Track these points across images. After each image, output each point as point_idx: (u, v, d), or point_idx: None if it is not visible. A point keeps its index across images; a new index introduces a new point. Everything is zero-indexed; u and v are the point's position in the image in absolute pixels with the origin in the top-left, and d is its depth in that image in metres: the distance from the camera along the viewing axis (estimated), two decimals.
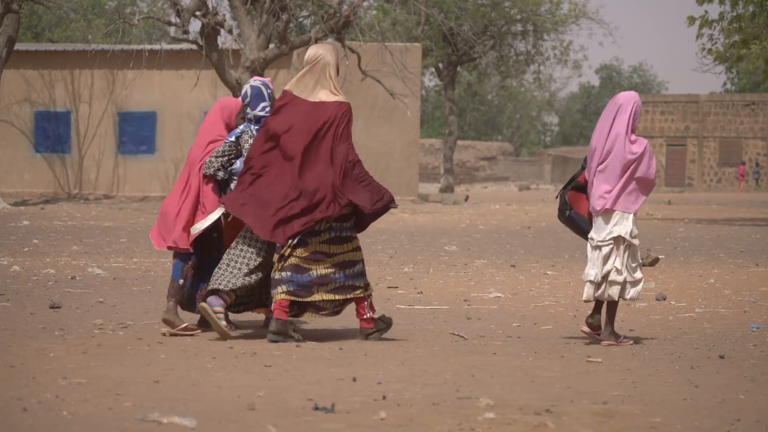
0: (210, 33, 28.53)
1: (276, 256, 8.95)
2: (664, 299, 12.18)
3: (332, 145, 8.85)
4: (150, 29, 51.77)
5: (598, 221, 9.17)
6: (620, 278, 9.17)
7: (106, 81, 36.26)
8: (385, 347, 8.88)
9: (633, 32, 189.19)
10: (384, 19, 47.62)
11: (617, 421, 6.39)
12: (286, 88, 9.02)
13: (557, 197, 9.40)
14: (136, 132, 36.01)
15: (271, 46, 29.62)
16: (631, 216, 9.13)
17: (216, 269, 9.11)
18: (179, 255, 9.45)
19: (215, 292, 8.98)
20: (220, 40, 29.52)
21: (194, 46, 30.49)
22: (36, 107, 36.82)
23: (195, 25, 58.55)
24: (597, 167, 9.10)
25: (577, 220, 9.29)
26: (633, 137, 9.10)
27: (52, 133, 36.73)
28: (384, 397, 6.87)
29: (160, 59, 33.68)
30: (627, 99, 9.13)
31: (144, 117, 35.92)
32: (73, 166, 36.58)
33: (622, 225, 9.11)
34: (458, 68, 54.15)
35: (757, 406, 6.87)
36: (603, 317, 9.32)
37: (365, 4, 32.47)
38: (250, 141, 9.21)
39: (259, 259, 9.07)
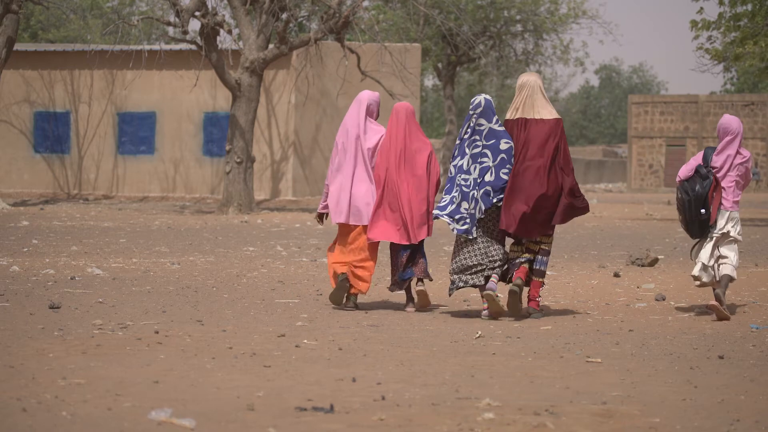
0: (209, 33, 28.53)
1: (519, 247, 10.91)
2: (664, 299, 12.19)
3: (555, 154, 10.75)
4: (149, 29, 51.76)
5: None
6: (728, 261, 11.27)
7: (105, 81, 36.25)
8: (384, 348, 8.89)
9: (633, 32, 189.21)
10: (381, 20, 47.60)
11: (616, 422, 6.39)
12: (507, 117, 10.90)
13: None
14: (136, 132, 35.99)
15: (271, 46, 29.62)
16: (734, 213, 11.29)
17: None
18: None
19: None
20: (219, 40, 29.52)
21: (194, 47, 30.49)
22: (35, 108, 36.80)
23: (194, 25, 58.63)
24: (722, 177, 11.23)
25: (698, 218, 11.16)
26: (742, 151, 11.28)
27: (51, 133, 36.72)
28: (383, 398, 6.88)
29: (160, 59, 33.68)
30: (738, 123, 11.31)
31: (143, 117, 35.90)
32: (73, 166, 36.57)
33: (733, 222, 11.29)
34: (458, 68, 54.17)
35: (756, 406, 6.88)
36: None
37: (364, 4, 32.48)
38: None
39: None
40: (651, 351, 8.96)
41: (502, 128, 10.90)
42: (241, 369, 7.82)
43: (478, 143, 10.89)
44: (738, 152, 11.25)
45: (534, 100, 10.85)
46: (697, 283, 11.33)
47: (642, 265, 15.74)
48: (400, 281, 11.35)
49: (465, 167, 10.90)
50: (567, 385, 7.42)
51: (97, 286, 12.80)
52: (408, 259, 11.25)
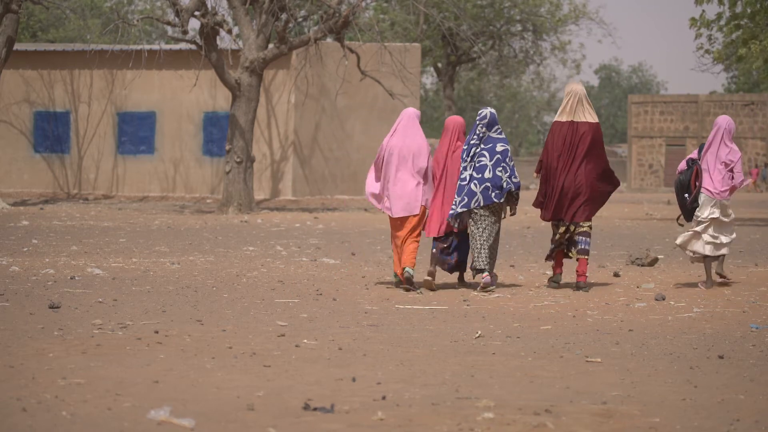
0: (209, 33, 28.52)
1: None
2: (664, 299, 12.19)
3: (587, 152, 12.76)
4: (148, 28, 51.70)
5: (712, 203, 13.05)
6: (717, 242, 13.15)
7: (105, 81, 36.24)
8: (384, 348, 8.89)
9: (633, 32, 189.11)
10: (382, 19, 47.60)
11: (616, 422, 6.40)
12: (556, 119, 12.85)
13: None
14: (136, 132, 35.98)
15: (270, 46, 29.62)
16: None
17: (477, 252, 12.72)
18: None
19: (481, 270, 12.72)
20: (219, 40, 29.51)
21: (193, 46, 30.48)
22: (35, 107, 36.80)
23: (194, 25, 58.67)
24: (710, 166, 13.03)
25: (684, 203, 13.07)
26: (730, 144, 13.08)
27: (51, 133, 36.72)
28: (383, 398, 6.88)
29: (159, 59, 33.67)
30: (724, 120, 13.16)
31: (143, 117, 35.89)
32: (73, 166, 36.56)
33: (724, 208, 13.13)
34: (457, 68, 54.18)
35: (756, 406, 6.88)
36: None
37: (364, 3, 32.48)
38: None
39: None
40: (651, 351, 8.95)
41: (501, 135, 12.97)
42: (241, 369, 7.82)
43: (477, 147, 12.92)
44: (724, 145, 13.07)
45: (582, 106, 12.85)
46: (689, 253, 13.28)
47: (642, 265, 15.74)
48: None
49: (466, 167, 12.88)
50: (567, 385, 7.42)
51: (97, 285, 12.79)
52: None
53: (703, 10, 28.81)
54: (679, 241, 13.28)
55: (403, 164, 12.99)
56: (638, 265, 15.80)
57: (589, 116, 12.84)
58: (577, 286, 12.78)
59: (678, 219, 13.68)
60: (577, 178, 12.78)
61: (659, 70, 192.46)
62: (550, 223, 13.14)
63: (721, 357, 8.62)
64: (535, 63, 54.86)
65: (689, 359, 8.56)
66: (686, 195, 13.06)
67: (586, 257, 12.87)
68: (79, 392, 6.89)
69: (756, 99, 65.07)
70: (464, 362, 8.25)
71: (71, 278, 13.43)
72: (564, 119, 12.85)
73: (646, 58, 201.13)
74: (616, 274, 14.38)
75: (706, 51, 29.82)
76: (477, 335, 9.65)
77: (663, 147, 65.27)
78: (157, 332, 9.41)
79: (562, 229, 12.92)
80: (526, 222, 26.87)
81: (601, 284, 13.55)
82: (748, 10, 28.38)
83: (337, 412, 6.49)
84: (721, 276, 13.30)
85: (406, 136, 13.08)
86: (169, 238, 20.37)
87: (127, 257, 16.33)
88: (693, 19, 28.67)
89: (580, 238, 12.90)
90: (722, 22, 28.75)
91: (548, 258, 13.24)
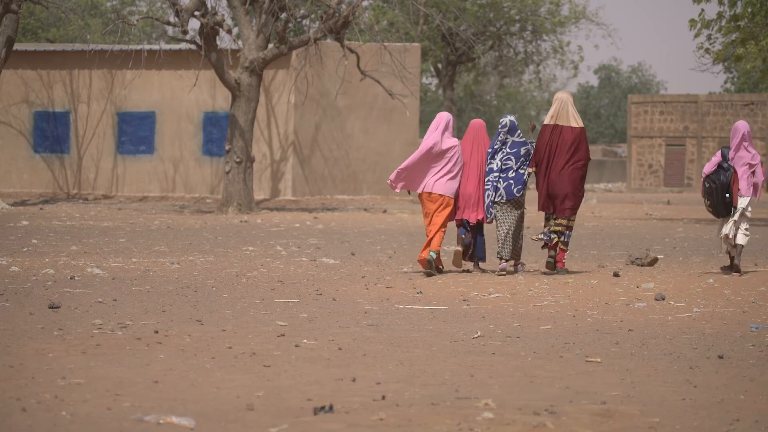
0: (209, 33, 28.52)
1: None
2: (663, 299, 12.18)
3: (570, 153, 14.19)
4: (148, 28, 51.68)
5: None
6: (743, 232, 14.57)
7: (104, 81, 36.22)
8: (384, 348, 8.89)
9: (632, 32, 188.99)
10: (381, 19, 47.57)
11: (616, 421, 6.40)
12: (545, 123, 14.35)
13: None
14: (135, 132, 35.97)
15: (270, 46, 29.62)
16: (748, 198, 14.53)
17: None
18: (462, 223, 14.65)
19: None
20: (219, 40, 29.51)
21: (193, 46, 30.47)
22: (35, 108, 36.78)
23: (194, 25, 58.61)
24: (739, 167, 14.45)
25: (723, 201, 14.46)
26: (750, 149, 14.45)
27: (50, 133, 36.70)
28: (383, 398, 6.88)
29: (159, 59, 33.65)
30: (743, 125, 14.62)
31: (143, 117, 35.88)
32: (72, 166, 36.55)
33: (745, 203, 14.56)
34: (457, 68, 54.16)
35: (756, 406, 6.88)
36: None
37: (364, 3, 32.48)
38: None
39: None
40: (651, 351, 8.95)
41: (522, 139, 14.55)
42: (240, 369, 7.82)
43: (504, 151, 14.53)
44: (745, 149, 14.38)
45: (567, 112, 14.30)
46: (726, 248, 14.63)
47: (642, 265, 15.74)
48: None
49: (494, 169, 14.47)
50: (567, 385, 7.42)
51: (97, 285, 12.80)
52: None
53: (702, 9, 28.80)
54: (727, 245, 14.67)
55: (440, 160, 14.58)
56: (638, 265, 15.79)
57: (573, 121, 14.28)
58: (556, 271, 14.32)
59: (719, 233, 14.77)
60: (561, 177, 14.18)
61: (659, 70, 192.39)
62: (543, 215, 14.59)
63: (720, 357, 8.62)
64: (535, 63, 54.85)
65: (689, 359, 8.56)
66: (727, 195, 14.44)
67: (566, 249, 14.43)
68: (78, 392, 6.89)
69: (756, 99, 65.01)
70: (464, 362, 8.25)
71: (71, 278, 13.42)
72: (551, 123, 14.33)
73: (645, 58, 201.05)
74: (616, 274, 14.39)
75: (706, 50, 29.81)
76: (476, 335, 9.65)
77: (663, 147, 65.22)
78: (156, 332, 9.41)
79: (555, 221, 14.31)
80: (526, 222, 26.89)
81: (601, 284, 13.55)
82: (749, 10, 28.36)
83: (336, 412, 6.49)
84: (738, 270, 14.63)
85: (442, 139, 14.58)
86: (169, 238, 20.37)
87: (127, 257, 16.33)
88: (692, 20, 28.66)
89: (566, 232, 14.31)
90: (723, 23, 28.74)
91: (544, 246, 14.62)
